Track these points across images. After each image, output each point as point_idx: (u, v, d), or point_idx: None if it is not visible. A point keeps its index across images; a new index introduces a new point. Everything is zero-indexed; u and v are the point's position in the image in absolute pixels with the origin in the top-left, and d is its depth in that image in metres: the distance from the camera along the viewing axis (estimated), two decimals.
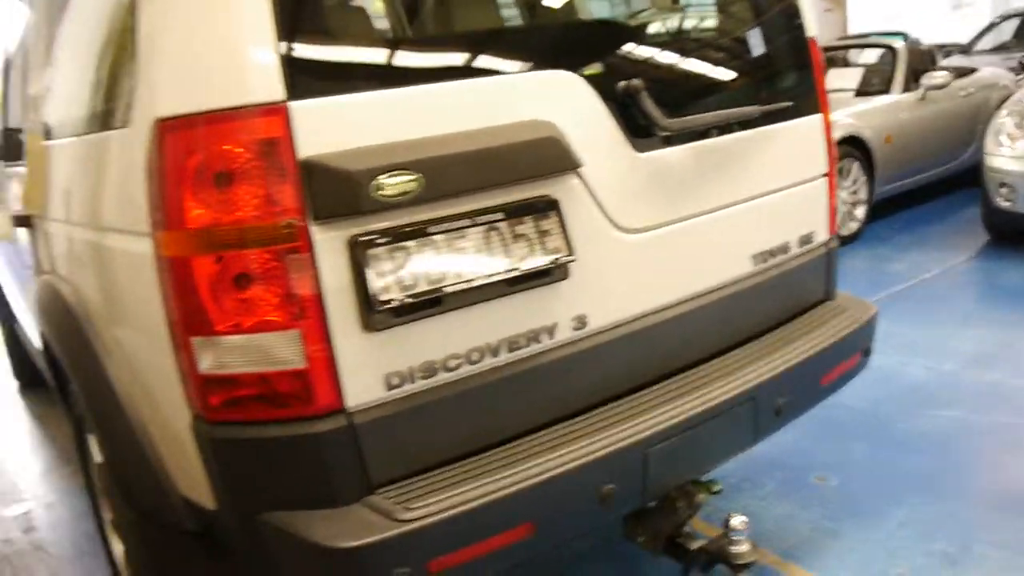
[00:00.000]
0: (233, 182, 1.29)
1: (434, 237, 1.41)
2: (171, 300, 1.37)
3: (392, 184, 1.32)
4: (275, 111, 1.29)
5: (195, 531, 1.63)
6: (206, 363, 1.36)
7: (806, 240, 2.04)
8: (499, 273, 1.47)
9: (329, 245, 1.34)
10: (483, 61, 1.51)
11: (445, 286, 1.41)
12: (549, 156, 1.50)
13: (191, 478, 1.57)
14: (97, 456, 2.13)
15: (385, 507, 1.38)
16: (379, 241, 1.36)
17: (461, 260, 1.43)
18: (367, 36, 1.49)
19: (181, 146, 1.31)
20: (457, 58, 1.51)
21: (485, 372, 1.51)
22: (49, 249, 2.05)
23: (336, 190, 1.30)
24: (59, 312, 1.93)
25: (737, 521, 1.73)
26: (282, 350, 1.34)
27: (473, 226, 1.45)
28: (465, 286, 1.43)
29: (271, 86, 1.29)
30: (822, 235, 2.10)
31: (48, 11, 2.06)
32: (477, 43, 1.54)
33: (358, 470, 1.40)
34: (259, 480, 1.41)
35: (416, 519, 1.35)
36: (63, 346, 1.90)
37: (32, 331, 3.10)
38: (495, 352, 1.52)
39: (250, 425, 1.39)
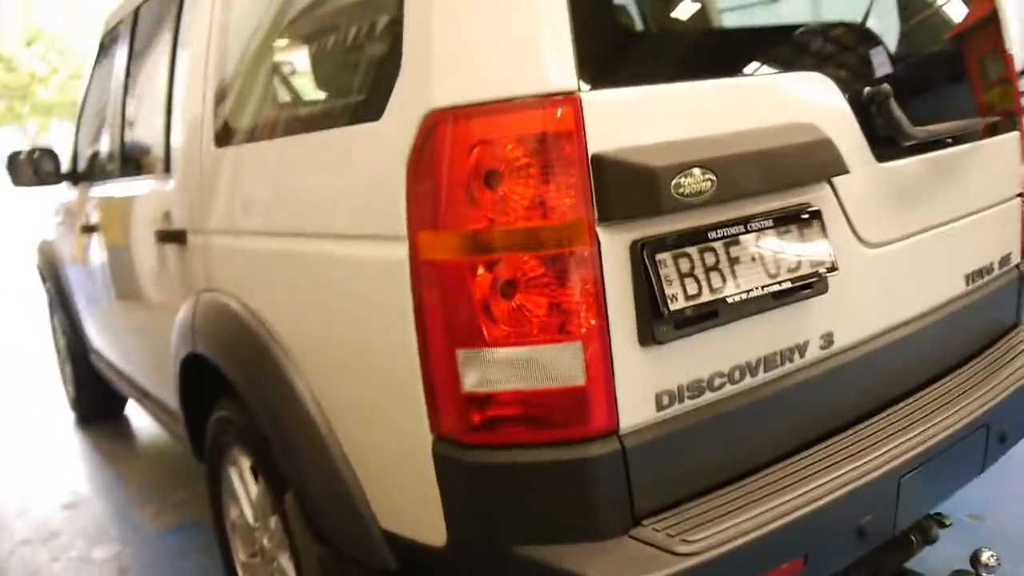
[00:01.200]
0: (518, 177, 1.19)
1: (713, 243, 1.31)
2: (431, 309, 1.26)
3: (690, 183, 1.21)
4: (568, 101, 1.19)
5: (393, 569, 1.50)
6: (471, 379, 1.24)
7: (1005, 261, 1.96)
8: (770, 284, 1.36)
9: (614, 248, 1.23)
10: (757, 59, 1.43)
11: (724, 296, 1.31)
12: (822, 160, 1.41)
13: (406, 509, 1.44)
14: (242, 490, 2.00)
15: (659, 540, 1.25)
16: (665, 245, 1.26)
17: (736, 269, 1.33)
18: (655, 26, 1.41)
19: (459, 139, 1.20)
20: (736, 54, 1.43)
21: (742, 393, 1.40)
22: (215, 264, 1.93)
23: (633, 188, 1.20)
24: (231, 329, 1.80)
25: (988, 557, 1.61)
26: (561, 364, 1.22)
27: (746, 232, 1.35)
28: (740, 297, 1.33)
29: (564, 74, 1.19)
30: (1016, 256, 2.01)
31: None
32: (752, 39, 1.46)
33: (625, 499, 1.28)
34: (515, 510, 1.28)
35: (696, 553, 1.22)
36: (237, 364, 1.77)
37: (137, 365, 2.96)
38: (753, 371, 1.40)
39: (511, 449, 1.27)
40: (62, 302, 3.93)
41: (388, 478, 1.47)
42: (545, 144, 1.19)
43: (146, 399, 2.94)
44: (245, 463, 1.97)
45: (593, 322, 1.22)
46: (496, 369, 1.23)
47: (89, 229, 3.16)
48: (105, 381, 3.63)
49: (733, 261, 1.33)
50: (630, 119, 1.25)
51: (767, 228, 1.37)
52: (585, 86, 1.20)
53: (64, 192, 3.64)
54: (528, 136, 1.18)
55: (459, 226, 1.21)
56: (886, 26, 1.72)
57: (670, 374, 1.30)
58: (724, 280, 1.31)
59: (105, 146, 3.05)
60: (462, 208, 1.21)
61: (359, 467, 1.53)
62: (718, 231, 1.32)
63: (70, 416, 4.35)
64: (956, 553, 2.30)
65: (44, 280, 4.20)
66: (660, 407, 1.30)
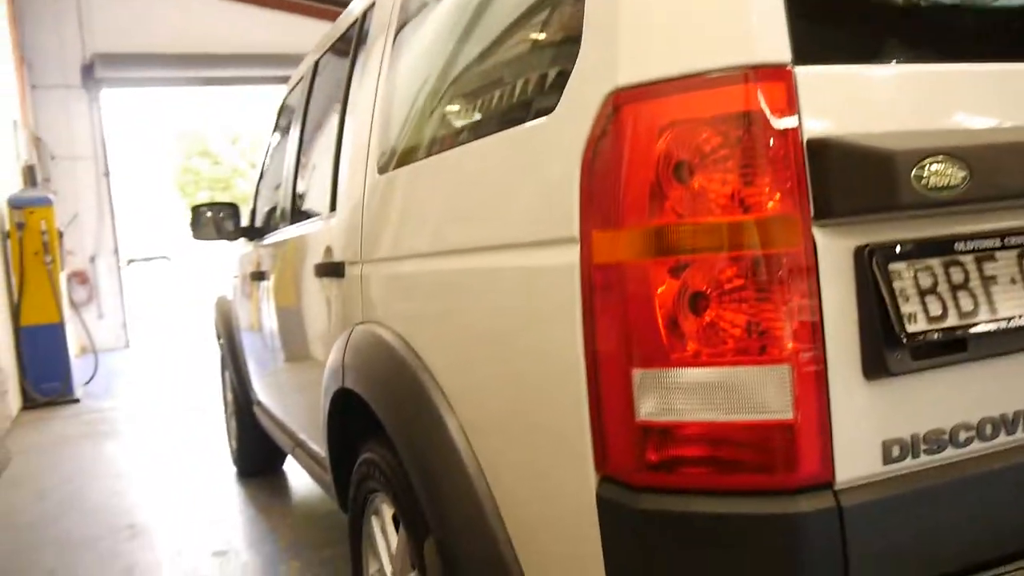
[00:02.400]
0: (716, 167, 0.99)
1: (961, 257, 1.05)
2: (603, 320, 1.06)
3: (936, 174, 0.97)
4: (780, 76, 0.99)
5: None
6: (649, 406, 1.03)
7: None
8: None
9: (834, 254, 1.00)
10: (1008, 42, 1.17)
11: (976, 322, 1.03)
12: None
13: (563, 568, 1.22)
14: (382, 542, 1.84)
15: None
16: (901, 254, 1.01)
17: (991, 291, 1.06)
18: None
19: (646, 122, 1.02)
20: (984, 35, 1.18)
21: (996, 455, 1.09)
22: (370, 293, 1.83)
23: (863, 178, 0.97)
24: (381, 361, 1.68)
25: None
26: (765, 392, 0.98)
27: (1005, 248, 1.08)
28: (996, 326, 1.05)
29: (775, 44, 1.00)
30: None
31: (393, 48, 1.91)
32: (1006, 19, 1.21)
33: (838, 572, 1.00)
34: (697, 571, 1.04)
35: None
36: (386, 400, 1.64)
37: (292, 409, 2.93)
38: (1011, 427, 1.10)
39: (694, 496, 1.03)
40: (233, 356, 4.03)
41: (543, 530, 1.26)
42: (750, 126, 0.99)
43: (299, 449, 2.87)
44: (388, 512, 1.81)
45: (806, 343, 0.98)
46: (680, 395, 1.01)
47: (257, 276, 3.22)
48: (266, 435, 3.63)
49: (987, 281, 1.06)
50: (853, 101, 1.03)
51: None
52: (800, 59, 1.00)
53: (242, 248, 3.76)
54: (730, 116, 0.99)
55: (641, 223, 1.02)
56: None
57: (903, 418, 1.03)
58: (975, 304, 1.04)
59: (280, 198, 3.12)
60: (645, 203, 1.02)
61: (512, 521, 1.33)
62: (968, 242, 1.05)
63: (233, 469, 4.41)
64: None
65: (219, 336, 4.34)
66: (888, 459, 1.03)
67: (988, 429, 1.08)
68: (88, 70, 10.48)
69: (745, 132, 0.98)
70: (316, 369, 2.23)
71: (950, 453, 1.06)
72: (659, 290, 1.01)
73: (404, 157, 1.72)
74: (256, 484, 4.17)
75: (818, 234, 0.99)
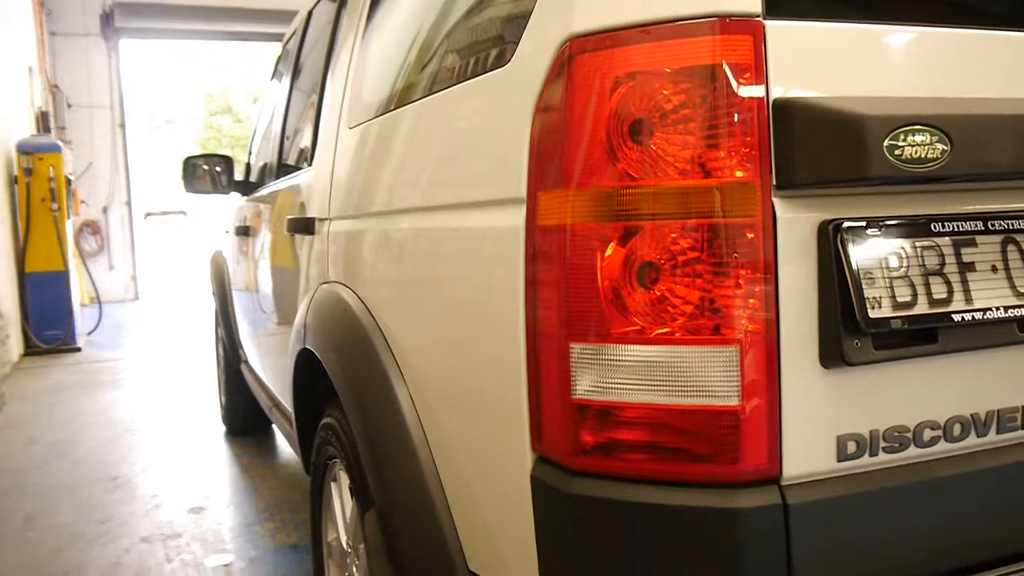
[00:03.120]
0: (675, 126, 0.90)
1: (938, 239, 0.96)
2: (544, 288, 0.99)
3: (912, 145, 0.88)
4: (748, 28, 0.90)
5: None
6: (586, 383, 0.95)
7: None
8: (1018, 307, 0.98)
9: (795, 228, 0.91)
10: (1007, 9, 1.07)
11: (948, 311, 0.95)
12: None
13: (500, 550, 1.15)
14: (339, 509, 1.78)
15: None
16: (870, 232, 0.92)
17: (969, 279, 0.97)
18: None
19: (600, 73, 0.94)
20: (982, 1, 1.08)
21: (964, 458, 1.01)
22: (337, 253, 1.76)
23: (831, 145, 0.88)
24: (338, 323, 1.61)
25: None
26: (710, 376, 0.90)
27: (986, 232, 0.99)
28: (972, 316, 0.96)
29: None
30: None
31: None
32: None
33: (781, 574, 0.93)
34: (625, 566, 0.97)
35: None
36: (340, 363, 1.57)
37: (269, 368, 2.88)
38: (981, 428, 1.02)
39: (630, 483, 0.96)
40: (223, 311, 3.98)
41: (484, 508, 1.19)
42: (714, 82, 0.89)
43: (275, 410, 2.83)
44: (345, 479, 1.75)
45: (758, 324, 0.90)
46: (620, 373, 0.93)
47: (242, 231, 3.15)
48: (253, 394, 3.59)
49: (965, 268, 0.97)
50: (826, 61, 0.94)
51: (1018, 231, 1.00)
52: (770, 12, 0.91)
53: (235, 201, 3.70)
54: (693, 70, 0.90)
55: (589, 184, 0.94)
56: None
57: (861, 412, 0.95)
58: (949, 292, 0.95)
59: (269, 152, 3.04)
60: (595, 162, 0.94)
61: (454, 495, 1.27)
62: (947, 224, 0.96)
63: (221, 427, 4.39)
64: None
65: (213, 291, 4.29)
66: (843, 456, 0.95)
67: (956, 429, 1.00)
68: (107, 18, 10.42)
69: (709, 89, 0.89)
70: (289, 327, 2.17)
71: (912, 453, 0.98)
72: (605, 256, 0.93)
73: (371, 111, 1.64)
74: (242, 443, 4.15)
75: (779, 205, 0.90)
